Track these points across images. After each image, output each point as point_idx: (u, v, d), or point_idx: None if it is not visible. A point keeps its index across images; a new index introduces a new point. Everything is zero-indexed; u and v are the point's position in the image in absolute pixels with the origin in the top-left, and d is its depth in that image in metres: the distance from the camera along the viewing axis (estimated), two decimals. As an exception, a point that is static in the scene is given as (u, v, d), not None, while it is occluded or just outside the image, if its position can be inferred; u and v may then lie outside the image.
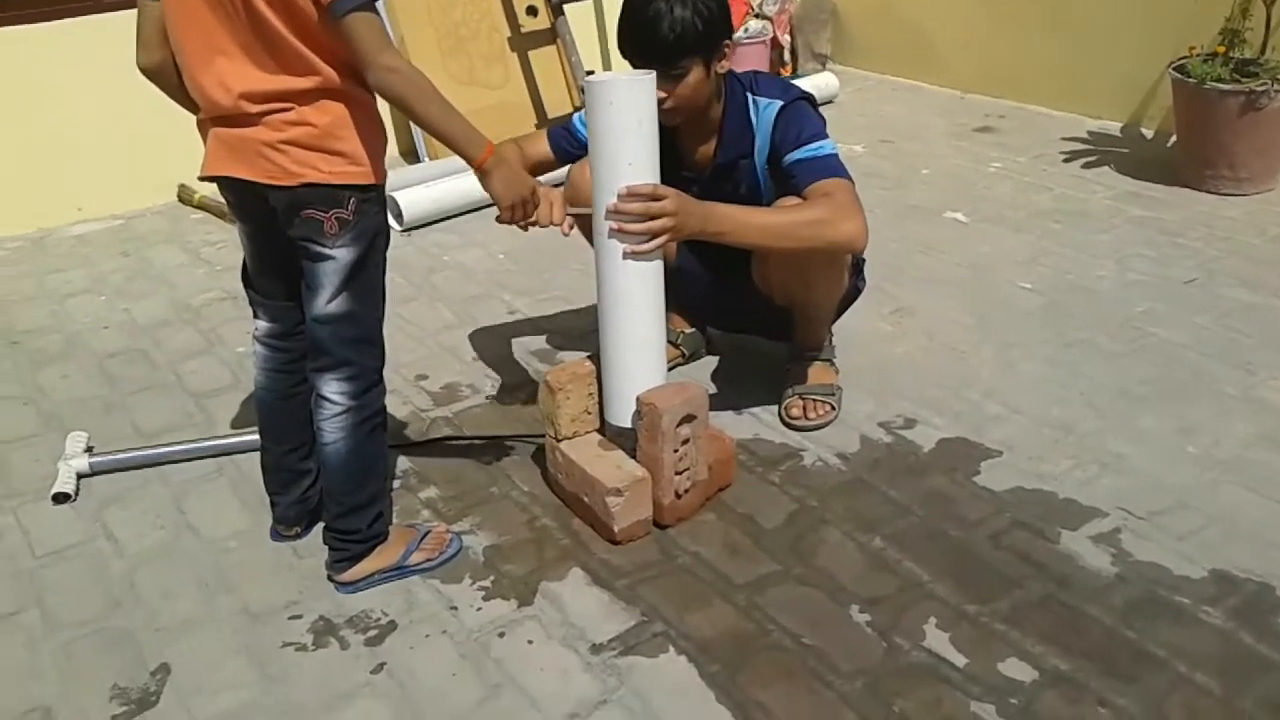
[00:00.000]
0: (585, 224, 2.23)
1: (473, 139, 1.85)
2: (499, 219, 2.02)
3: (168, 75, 1.89)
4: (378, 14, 1.75)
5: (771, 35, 5.38)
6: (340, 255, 1.88)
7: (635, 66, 2.16)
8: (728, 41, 2.24)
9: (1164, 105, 4.18)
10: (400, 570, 2.07)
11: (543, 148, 2.41)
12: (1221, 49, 3.72)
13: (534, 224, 2.10)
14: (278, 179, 1.82)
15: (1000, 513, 2.18)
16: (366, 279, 1.93)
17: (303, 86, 1.78)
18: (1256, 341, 2.78)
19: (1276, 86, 3.54)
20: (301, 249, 1.89)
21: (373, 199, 1.90)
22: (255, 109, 1.79)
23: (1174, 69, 3.80)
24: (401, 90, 1.76)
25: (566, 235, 2.18)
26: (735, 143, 2.34)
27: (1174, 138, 4.04)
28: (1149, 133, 4.40)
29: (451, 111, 1.82)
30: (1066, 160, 4.20)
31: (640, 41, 2.15)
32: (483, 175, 1.91)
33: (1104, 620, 1.89)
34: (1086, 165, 4.13)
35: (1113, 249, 3.38)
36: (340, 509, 2.01)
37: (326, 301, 1.90)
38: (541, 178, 2.21)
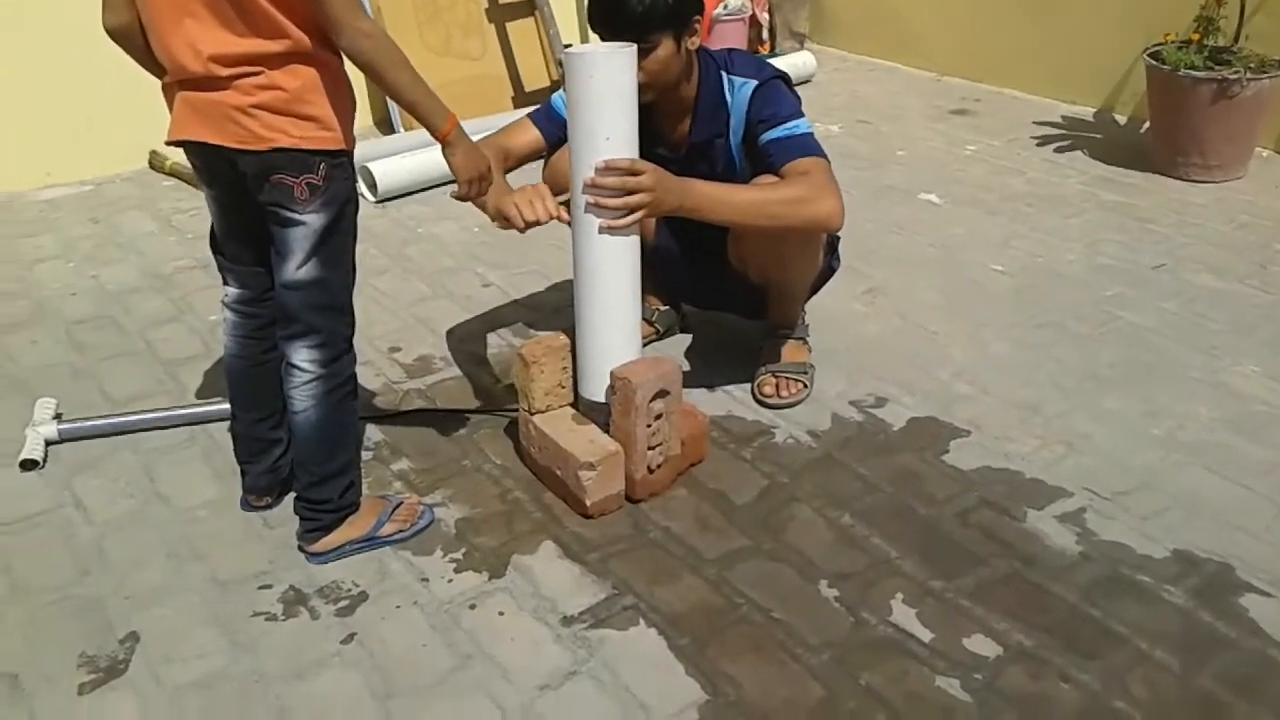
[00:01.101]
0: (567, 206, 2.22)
1: (438, 110, 1.84)
2: (455, 195, 1.99)
3: (134, 37, 1.86)
4: None
5: (750, 13, 5.37)
6: (311, 221, 1.87)
7: (604, 40, 2.16)
8: (698, 17, 2.22)
9: (1137, 91, 4.22)
10: (371, 541, 2.07)
11: (531, 133, 2.37)
12: (1196, 36, 3.75)
13: (534, 224, 2.10)
14: (248, 144, 1.80)
15: (968, 491, 2.21)
16: (337, 245, 1.92)
17: (273, 50, 1.76)
18: (1221, 327, 2.81)
19: (1249, 74, 3.57)
20: (271, 214, 1.88)
21: (343, 164, 1.89)
22: (225, 72, 1.77)
23: (1148, 55, 3.83)
24: (373, 55, 1.75)
25: (568, 222, 2.13)
26: (710, 121, 2.34)
27: (1147, 124, 4.08)
28: (1122, 118, 4.44)
29: (419, 81, 1.81)
30: (1040, 144, 4.22)
31: (609, 13, 2.14)
32: (446, 147, 1.90)
33: (1067, 598, 1.92)
34: (1059, 150, 4.16)
35: (1083, 233, 3.42)
36: (311, 478, 2.01)
37: (296, 267, 1.89)
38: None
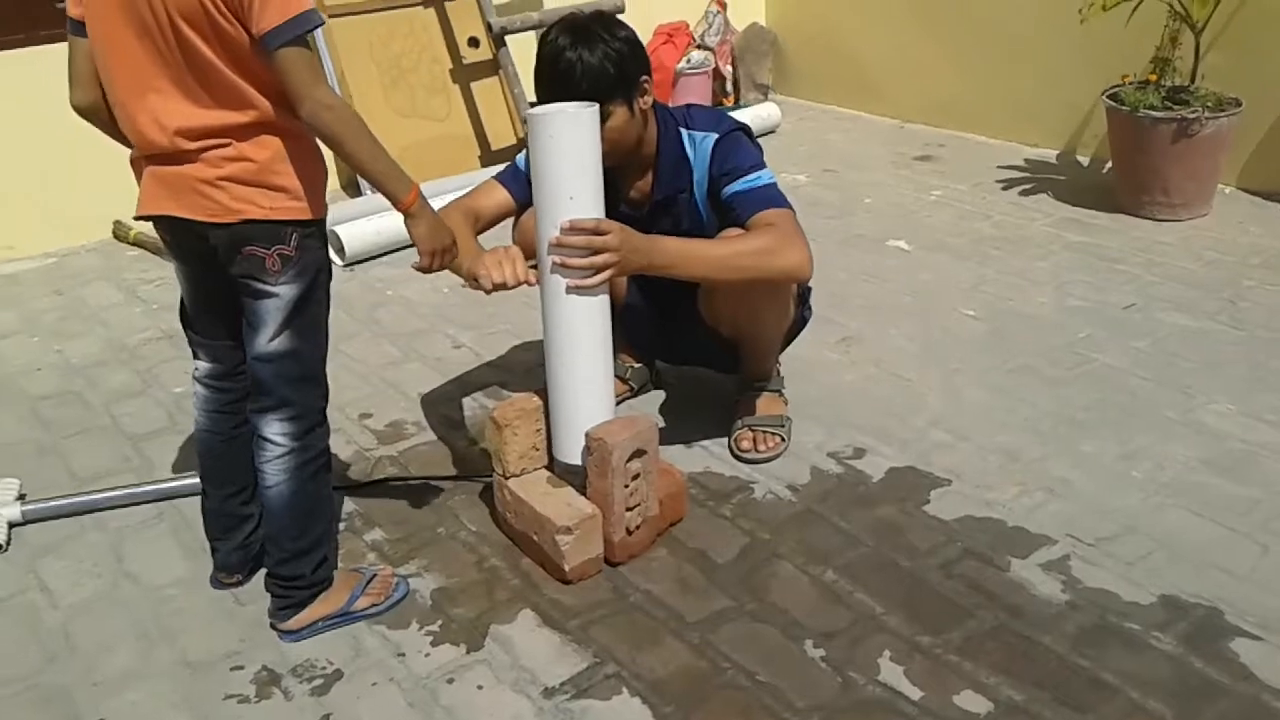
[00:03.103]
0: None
1: (400, 180, 1.83)
2: (418, 265, 1.97)
3: (101, 114, 1.86)
4: (311, 48, 1.73)
5: (714, 66, 5.42)
6: (283, 292, 1.85)
7: None
8: (645, 77, 2.23)
9: (1099, 133, 4.27)
10: (345, 616, 2.02)
11: (500, 193, 2.36)
12: (1153, 77, 3.81)
13: (502, 286, 2.07)
14: (217, 216, 1.79)
15: (950, 542, 2.19)
16: (310, 316, 1.90)
17: (240, 121, 1.76)
18: (1194, 365, 2.82)
19: (1207, 113, 3.62)
20: (243, 286, 1.85)
21: (314, 234, 1.88)
22: (192, 146, 1.76)
23: (1108, 97, 3.88)
24: (335, 127, 1.74)
25: (534, 285, 2.11)
26: (672, 178, 2.34)
27: (1109, 165, 4.12)
28: (1085, 160, 4.49)
29: (381, 151, 1.80)
30: (1005, 188, 4.26)
31: (557, 94, 2.13)
32: (409, 218, 1.88)
33: (1056, 649, 1.89)
34: (1025, 193, 4.20)
35: (1052, 275, 3.43)
36: (283, 554, 1.96)
37: (269, 340, 1.87)
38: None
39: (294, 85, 1.71)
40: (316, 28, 1.73)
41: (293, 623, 1.99)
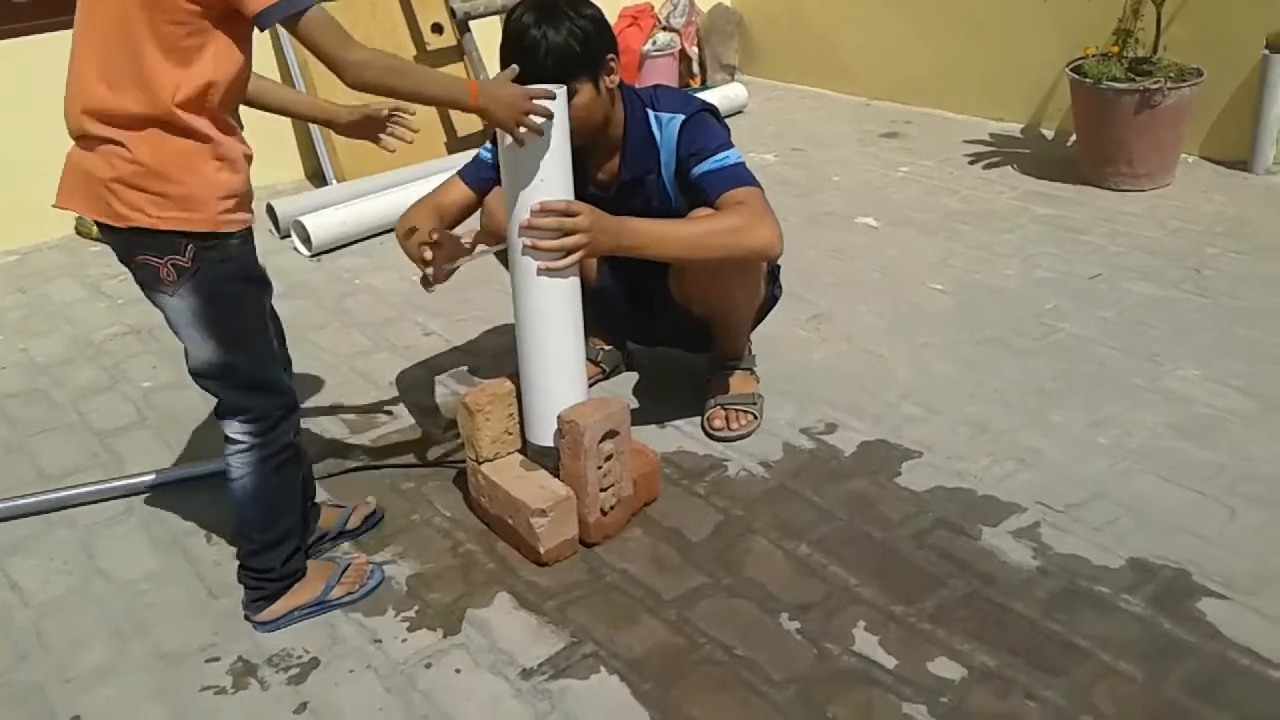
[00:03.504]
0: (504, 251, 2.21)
1: (458, 90, 1.82)
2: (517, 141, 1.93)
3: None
4: (322, 10, 1.64)
5: (679, 48, 5.41)
6: (179, 305, 1.76)
7: None
8: (612, 55, 2.22)
9: (1063, 106, 4.30)
10: (321, 605, 2.02)
11: (459, 188, 2.36)
12: (1116, 49, 3.83)
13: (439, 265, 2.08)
14: (109, 219, 1.71)
15: (922, 512, 2.20)
16: (224, 328, 1.80)
17: (138, 113, 1.65)
18: (1161, 333, 2.85)
19: (1169, 84, 3.65)
20: (148, 296, 1.80)
21: (217, 247, 1.75)
22: (95, 130, 1.67)
23: (1071, 70, 3.90)
24: (380, 79, 1.69)
25: (433, 285, 2.16)
26: (640, 159, 2.34)
27: (1074, 137, 4.15)
28: (1049, 133, 4.52)
29: (427, 78, 1.81)
30: (971, 162, 4.28)
31: (521, 71, 2.13)
32: (482, 114, 1.86)
33: (1028, 614, 1.91)
34: (990, 166, 4.22)
35: (1019, 248, 3.46)
36: (253, 547, 1.95)
37: (195, 354, 1.82)
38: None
39: (323, 58, 1.65)
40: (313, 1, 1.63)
41: (267, 614, 1.98)
